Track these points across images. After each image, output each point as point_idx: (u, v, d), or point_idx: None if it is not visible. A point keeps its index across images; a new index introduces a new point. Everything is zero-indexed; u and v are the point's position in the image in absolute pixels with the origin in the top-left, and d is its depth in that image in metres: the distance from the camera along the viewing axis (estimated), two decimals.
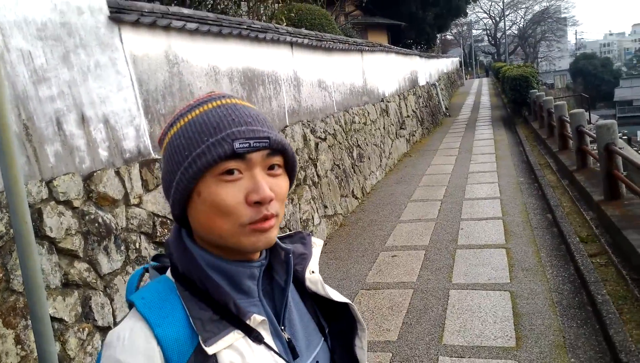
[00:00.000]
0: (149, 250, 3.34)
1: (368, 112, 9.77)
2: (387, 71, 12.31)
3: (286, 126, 5.99)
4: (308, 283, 0.91)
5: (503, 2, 47.93)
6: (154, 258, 0.89)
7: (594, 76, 61.67)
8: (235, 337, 0.76)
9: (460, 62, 44.92)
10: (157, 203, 3.50)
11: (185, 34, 4.17)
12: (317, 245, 0.98)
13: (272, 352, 0.79)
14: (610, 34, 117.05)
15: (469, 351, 3.52)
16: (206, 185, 0.75)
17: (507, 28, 56.23)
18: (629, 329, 3.42)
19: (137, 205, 3.35)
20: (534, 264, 4.93)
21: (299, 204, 5.79)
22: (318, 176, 6.58)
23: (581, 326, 3.72)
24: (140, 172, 3.42)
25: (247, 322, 0.77)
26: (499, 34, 60.66)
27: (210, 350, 0.73)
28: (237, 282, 0.80)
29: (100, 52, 3.21)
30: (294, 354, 0.82)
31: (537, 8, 59.28)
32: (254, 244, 0.78)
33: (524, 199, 7.35)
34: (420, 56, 17.99)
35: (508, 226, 6.16)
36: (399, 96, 13.13)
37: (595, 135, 6.09)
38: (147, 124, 3.59)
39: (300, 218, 5.75)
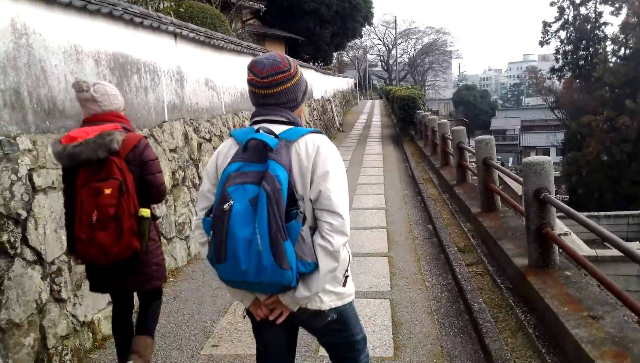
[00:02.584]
0: None
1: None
2: None
3: (164, 122, 5.48)
4: None
5: (396, 31, 50.45)
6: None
7: (473, 106, 66.94)
8: None
9: (355, 84, 46.45)
10: None
11: (39, 2, 3.59)
12: None
13: None
14: (489, 70, 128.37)
15: None
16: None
17: (398, 56, 59.30)
18: (504, 337, 3.40)
19: None
20: (414, 272, 4.89)
21: (175, 206, 5.29)
22: (199, 177, 6.12)
23: (458, 334, 3.66)
24: None
25: None
26: (391, 61, 63.79)
27: None
28: None
29: None
30: None
31: (426, 40, 63.27)
32: None
33: (408, 211, 7.44)
34: (316, 70, 18.17)
35: (391, 236, 6.14)
36: None
37: (474, 150, 6.31)
38: None
39: (176, 221, 5.25)
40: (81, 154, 2.56)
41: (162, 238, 4.90)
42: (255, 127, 1.86)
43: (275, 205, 1.68)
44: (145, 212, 2.67)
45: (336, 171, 1.84)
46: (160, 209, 4.95)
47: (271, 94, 1.89)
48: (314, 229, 1.84)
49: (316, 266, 1.79)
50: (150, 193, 2.79)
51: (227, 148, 1.93)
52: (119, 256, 2.60)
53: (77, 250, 2.64)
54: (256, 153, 1.79)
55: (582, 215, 3.29)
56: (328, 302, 1.95)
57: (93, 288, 2.89)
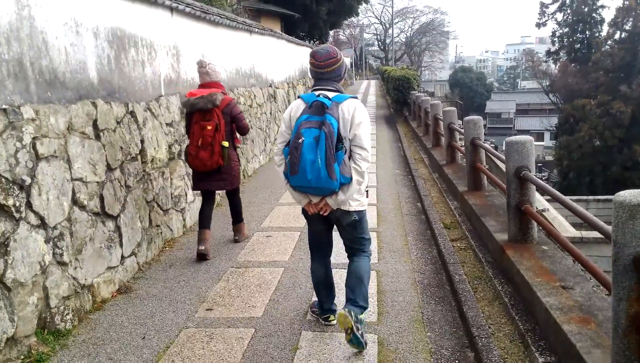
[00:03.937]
0: None
1: (255, 95, 9.57)
2: (277, 57, 12.19)
3: (161, 96, 5.59)
4: None
5: (392, 9, 50.08)
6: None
7: (469, 88, 66.91)
8: None
9: (352, 63, 46.22)
10: None
11: None
12: None
13: None
14: (486, 51, 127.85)
15: (333, 326, 3.49)
16: None
17: (395, 35, 59.00)
18: (481, 306, 3.62)
19: None
20: (401, 247, 5.09)
21: (171, 179, 5.44)
22: None
23: (439, 303, 3.87)
24: None
25: None
26: (388, 40, 63.45)
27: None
28: None
29: None
30: None
31: (423, 19, 62.88)
32: None
33: (398, 189, 7.63)
34: (312, 48, 18.13)
35: (381, 212, 6.33)
36: (288, 84, 13.08)
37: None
38: None
39: (172, 193, 5.41)
40: (197, 104, 4.59)
41: (160, 208, 5.10)
42: (316, 93, 3.07)
43: (330, 141, 2.88)
44: (225, 143, 4.63)
45: (365, 123, 3.05)
46: (157, 181, 5.10)
47: (326, 72, 3.14)
48: (350, 157, 3.02)
49: (351, 179, 2.99)
50: (239, 129, 4.91)
51: (297, 105, 3.15)
52: (210, 167, 4.61)
53: (188, 161, 4.72)
54: (318, 109, 3.00)
55: (560, 194, 3.47)
56: (354, 206, 3.15)
57: (195, 188, 4.97)
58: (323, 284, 3.46)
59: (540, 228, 4.13)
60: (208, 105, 4.54)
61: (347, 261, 3.40)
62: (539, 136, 46.34)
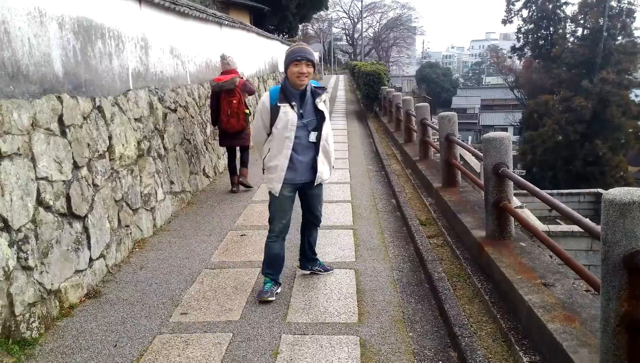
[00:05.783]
0: None
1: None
2: (247, 50, 11.98)
3: (129, 90, 5.38)
4: (317, 102, 3.74)
5: (362, 3, 50.14)
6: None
7: (436, 84, 67.63)
8: (285, 105, 3.64)
9: (320, 58, 46.08)
10: None
11: None
12: (326, 92, 3.93)
13: (295, 112, 3.64)
14: (452, 47, 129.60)
15: (312, 328, 3.42)
16: (290, 66, 3.62)
17: (364, 30, 59.10)
18: (462, 304, 3.59)
19: None
20: (378, 244, 5.05)
21: (140, 176, 5.24)
22: (165, 148, 6.07)
23: (419, 302, 3.83)
24: None
25: (291, 103, 3.65)
26: (356, 35, 63.53)
27: (278, 104, 3.65)
28: (293, 95, 3.67)
29: None
30: (301, 116, 3.67)
31: (391, 14, 63.28)
32: (298, 84, 3.64)
33: (372, 186, 7.59)
34: (282, 42, 17.97)
35: (356, 209, 6.28)
36: (258, 78, 12.89)
37: (437, 127, 6.47)
38: None
39: (141, 192, 5.21)
40: (225, 86, 6.70)
41: (129, 208, 4.89)
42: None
43: None
44: (247, 110, 6.87)
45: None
46: (125, 179, 4.91)
47: None
48: None
49: None
50: (250, 94, 7.10)
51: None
52: (237, 129, 6.78)
53: (221, 126, 6.85)
54: None
55: (541, 190, 3.47)
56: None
57: (221, 145, 7.36)
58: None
59: (517, 224, 4.15)
60: (231, 86, 6.67)
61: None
62: (503, 131, 47.21)
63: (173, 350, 3.18)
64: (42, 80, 3.82)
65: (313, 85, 3.77)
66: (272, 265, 3.90)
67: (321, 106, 3.74)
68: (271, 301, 3.78)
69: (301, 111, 3.67)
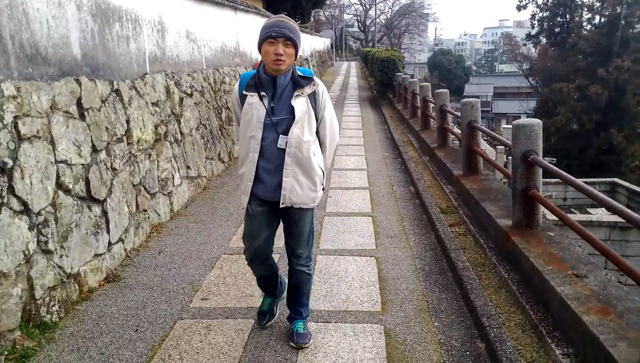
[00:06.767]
0: None
1: (240, 75, 9.26)
2: None
3: (146, 74, 5.31)
4: (295, 95, 2.68)
5: None
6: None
7: (448, 71, 66.95)
8: (253, 94, 2.69)
9: (332, 44, 45.74)
10: None
11: None
12: (317, 83, 2.77)
13: (263, 105, 2.67)
14: (465, 35, 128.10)
15: (335, 316, 3.35)
16: (264, 45, 2.61)
17: (376, 16, 58.52)
18: (488, 294, 3.50)
19: None
20: (398, 232, 4.96)
21: (158, 161, 5.19)
22: (181, 133, 6.00)
23: (443, 291, 3.75)
24: None
25: (259, 93, 2.67)
26: (368, 21, 62.92)
27: (244, 92, 2.72)
28: (265, 83, 2.68)
29: None
30: (272, 112, 2.67)
31: (404, 0, 62.49)
32: (273, 69, 2.63)
33: (389, 172, 7.49)
34: None
35: (374, 196, 6.19)
36: None
37: (457, 113, 6.34)
38: None
39: (159, 176, 5.16)
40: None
41: (146, 192, 4.86)
42: None
43: None
44: None
45: None
46: (143, 164, 4.85)
47: None
48: None
49: None
50: None
51: None
52: None
53: None
54: None
55: (576, 179, 3.36)
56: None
57: None
58: None
59: (544, 213, 4.04)
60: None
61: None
62: (516, 119, 46.75)
63: (195, 336, 3.13)
64: (61, 62, 3.75)
65: (299, 72, 2.73)
66: (263, 287, 3.24)
67: (298, 102, 2.67)
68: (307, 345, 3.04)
69: (272, 105, 2.67)
